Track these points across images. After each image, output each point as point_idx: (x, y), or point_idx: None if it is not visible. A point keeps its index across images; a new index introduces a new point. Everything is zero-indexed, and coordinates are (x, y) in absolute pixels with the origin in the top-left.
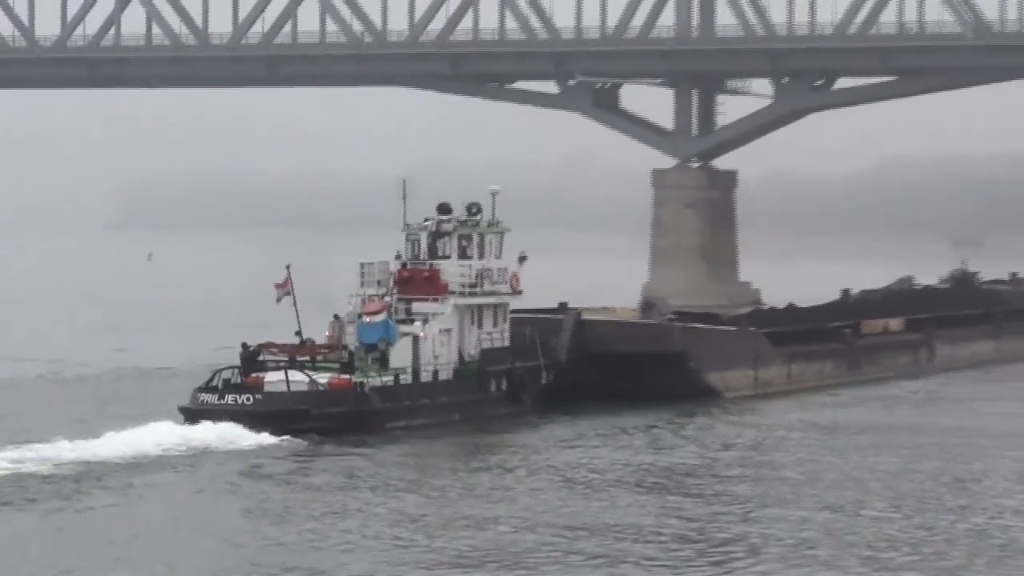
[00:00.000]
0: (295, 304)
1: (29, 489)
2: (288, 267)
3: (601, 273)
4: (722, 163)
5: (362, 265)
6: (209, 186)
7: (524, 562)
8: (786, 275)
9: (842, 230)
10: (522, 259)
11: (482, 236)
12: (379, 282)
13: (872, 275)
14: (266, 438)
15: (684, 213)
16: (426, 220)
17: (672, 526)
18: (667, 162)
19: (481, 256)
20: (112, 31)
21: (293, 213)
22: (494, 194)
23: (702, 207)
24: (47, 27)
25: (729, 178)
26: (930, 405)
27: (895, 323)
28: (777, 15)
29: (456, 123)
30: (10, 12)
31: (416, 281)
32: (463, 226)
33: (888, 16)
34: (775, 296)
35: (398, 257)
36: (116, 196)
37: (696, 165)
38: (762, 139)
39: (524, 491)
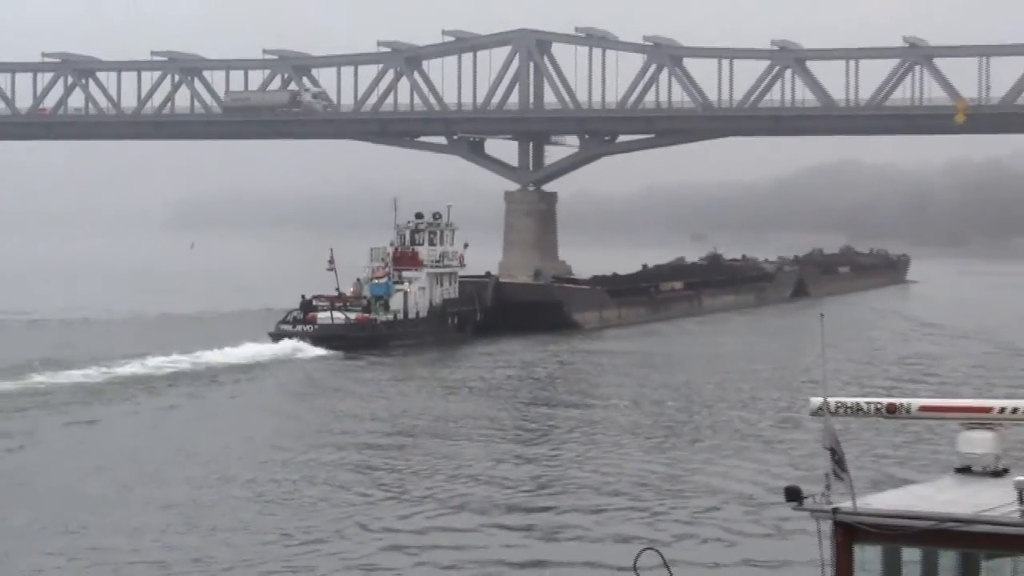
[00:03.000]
0: (335, 273)
1: (187, 381)
2: (332, 250)
3: (473, 255)
4: (548, 187)
5: (371, 249)
6: (240, 200)
7: (412, 440)
8: (591, 258)
9: (627, 229)
10: (465, 246)
11: (443, 231)
12: (382, 259)
13: (653, 257)
14: (320, 351)
15: (524, 219)
16: (408, 221)
17: (513, 418)
18: (514, 187)
19: (442, 243)
20: (169, 104)
21: (296, 220)
22: (449, 207)
23: (535, 215)
24: (128, 101)
25: (552, 197)
26: (685, 336)
27: (678, 284)
28: (582, 96)
29: (383, 161)
30: (105, 91)
31: (404, 259)
32: (431, 225)
33: (651, 97)
34: (582, 271)
35: (392, 244)
36: (166, 207)
37: (532, 189)
38: (573, 172)
39: (424, 394)
